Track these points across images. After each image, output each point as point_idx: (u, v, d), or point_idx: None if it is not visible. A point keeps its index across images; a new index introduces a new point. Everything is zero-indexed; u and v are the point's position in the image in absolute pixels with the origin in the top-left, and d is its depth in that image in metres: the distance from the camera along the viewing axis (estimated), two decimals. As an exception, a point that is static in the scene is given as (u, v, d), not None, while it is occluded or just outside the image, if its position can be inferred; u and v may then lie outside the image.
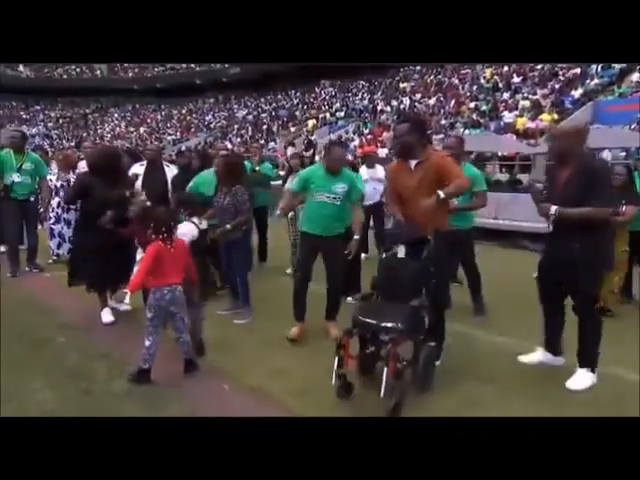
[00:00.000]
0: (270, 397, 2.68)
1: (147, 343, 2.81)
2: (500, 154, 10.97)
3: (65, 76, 37.77)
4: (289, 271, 5.67)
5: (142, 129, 30.52)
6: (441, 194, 2.84)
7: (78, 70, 38.08)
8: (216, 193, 4.00)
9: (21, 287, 4.91)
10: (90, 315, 4.04)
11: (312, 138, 19.51)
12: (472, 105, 16.43)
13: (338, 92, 26.63)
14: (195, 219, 3.34)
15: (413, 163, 2.96)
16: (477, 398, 2.69)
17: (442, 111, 17.22)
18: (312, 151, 14.94)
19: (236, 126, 26.54)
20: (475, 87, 18.36)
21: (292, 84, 28.92)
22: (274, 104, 29.02)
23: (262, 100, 30.64)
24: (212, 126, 28.10)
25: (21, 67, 38.16)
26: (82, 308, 4.27)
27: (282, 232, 6.08)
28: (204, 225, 3.40)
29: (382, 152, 14.26)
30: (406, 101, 20.20)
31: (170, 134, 26.90)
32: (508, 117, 13.22)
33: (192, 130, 28.32)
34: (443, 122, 15.75)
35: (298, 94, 29.20)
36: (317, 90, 28.49)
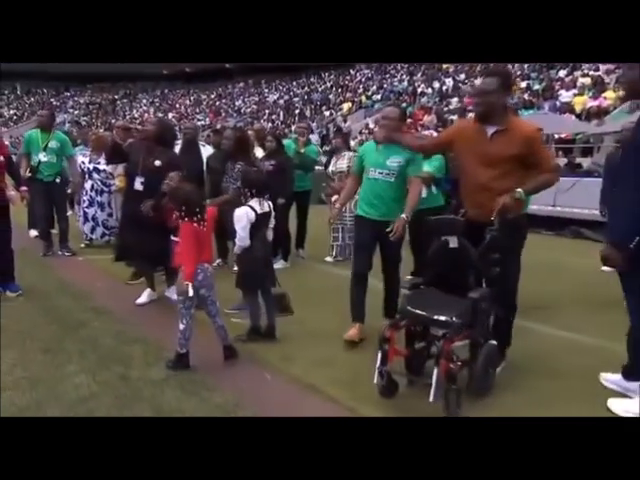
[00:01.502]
0: (314, 387, 2.59)
1: (181, 327, 2.76)
2: (557, 136, 10.43)
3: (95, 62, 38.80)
4: (329, 259, 5.66)
5: (171, 114, 31.03)
6: (520, 193, 2.51)
7: (107, 55, 39.03)
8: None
9: (54, 270, 5.01)
10: (124, 299, 4.08)
11: (345, 124, 19.27)
12: (523, 84, 15.75)
13: (375, 74, 26.18)
14: (255, 201, 3.19)
15: (490, 130, 2.58)
16: (542, 397, 2.50)
17: (490, 92, 16.58)
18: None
19: (267, 111, 26.58)
20: (527, 65, 17.56)
21: (325, 66, 28.66)
22: (306, 87, 28.88)
23: (294, 84, 30.55)
24: (242, 111, 28.26)
25: (52, 53, 39.54)
26: (116, 292, 4.32)
27: (321, 217, 6.00)
28: (265, 207, 3.22)
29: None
30: (449, 82, 19.61)
31: (199, 119, 27.24)
32: (565, 96, 12.56)
33: (222, 115, 28.57)
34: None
35: (332, 77, 28.93)
36: (352, 72, 28.13)
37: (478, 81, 18.53)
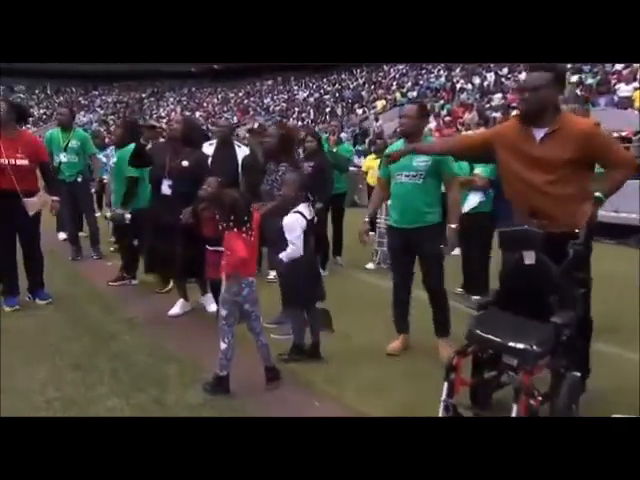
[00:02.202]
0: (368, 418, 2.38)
1: (223, 346, 2.61)
2: (616, 134, 9.90)
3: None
4: (370, 266, 5.48)
5: (198, 113, 31.43)
6: (601, 197, 2.25)
7: (135, 53, 39.99)
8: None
9: (83, 276, 4.99)
10: (156, 308, 3.99)
11: (375, 124, 18.97)
12: (574, 79, 15.11)
13: (410, 70, 25.80)
14: (304, 207, 3.02)
15: (539, 133, 2.31)
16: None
17: (536, 87, 16.02)
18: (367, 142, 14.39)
19: (296, 109, 26.57)
20: (578, 58, 16.91)
21: (357, 62, 28.45)
22: (337, 84, 28.73)
23: (324, 81, 30.45)
24: (271, 109, 28.36)
25: (81, 52, 40.81)
26: (147, 300, 4.24)
27: (357, 220, 5.81)
28: (312, 213, 3.08)
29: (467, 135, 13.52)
30: (491, 77, 19.08)
31: (227, 118, 27.47)
32: (625, 90, 11.94)
33: (250, 113, 28.73)
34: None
35: (364, 73, 28.69)
36: (385, 68, 27.81)
37: (523, 75, 18.01)
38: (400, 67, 26.72)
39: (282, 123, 5.17)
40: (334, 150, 5.32)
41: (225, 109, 31.69)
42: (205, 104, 34.73)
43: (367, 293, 4.62)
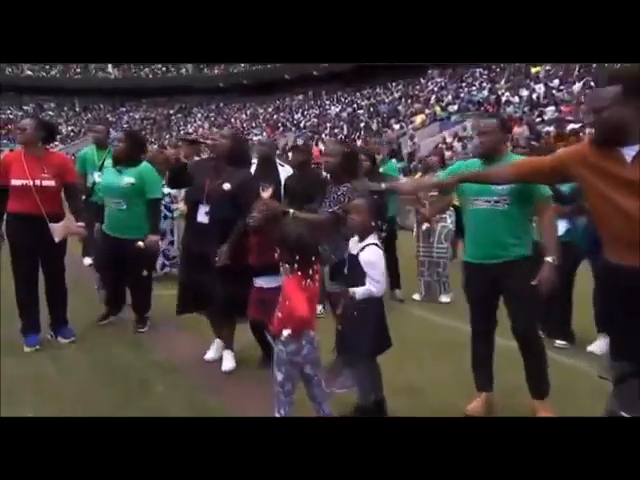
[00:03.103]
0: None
1: (279, 417, 2.24)
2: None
3: (151, 76, 41.04)
4: (417, 297, 5.19)
5: (226, 129, 31.83)
6: None
7: (164, 69, 41.16)
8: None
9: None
10: (190, 348, 3.68)
11: (410, 142, 18.62)
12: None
13: (449, 82, 25.47)
14: (375, 236, 2.64)
15: (630, 152, 1.94)
16: None
17: (593, 99, 15.39)
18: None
19: (329, 124, 26.53)
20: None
21: (393, 75, 28.38)
22: (372, 99, 28.63)
23: (357, 95, 30.44)
24: (302, 125, 28.43)
25: (110, 68, 42.30)
26: (180, 338, 3.92)
27: (405, 245, 5.44)
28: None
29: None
30: (540, 89, 18.53)
31: (256, 134, 27.65)
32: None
33: (280, 129, 28.89)
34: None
35: (400, 87, 28.52)
36: (422, 81, 27.58)
37: (577, 87, 17.43)
38: (438, 80, 26.44)
39: (344, 140, 4.82)
40: (380, 170, 4.96)
41: (254, 125, 32.01)
42: (233, 120, 35.22)
43: (426, 332, 4.21)
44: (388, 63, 24.10)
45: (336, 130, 25.06)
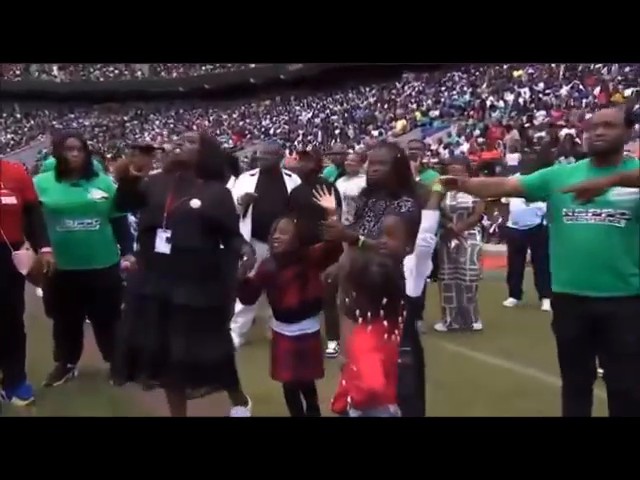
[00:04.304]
0: None
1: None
2: None
3: (102, 79, 39.79)
4: (440, 327, 4.72)
5: (193, 132, 30.94)
6: None
7: (117, 72, 40.02)
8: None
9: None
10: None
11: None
12: (628, 92, 14.67)
13: (427, 87, 25.57)
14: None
15: None
16: None
17: (584, 103, 15.56)
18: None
19: (301, 131, 26.14)
20: (628, 69, 16.53)
21: (365, 79, 28.36)
22: (345, 104, 28.47)
23: (329, 100, 30.25)
24: (271, 132, 27.93)
25: (55, 71, 40.79)
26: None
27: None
28: None
29: (512, 158, 12.86)
30: (525, 93, 18.69)
31: (222, 141, 26.98)
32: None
33: (247, 137, 28.30)
34: (588, 117, 14.08)
35: (374, 91, 28.49)
36: (398, 85, 27.63)
37: (564, 91, 17.65)
38: (415, 84, 26.55)
39: (392, 143, 4.24)
40: (417, 179, 4.35)
41: (218, 132, 31.31)
42: (195, 127, 34.36)
43: (466, 372, 3.70)
44: (359, 65, 23.96)
45: (309, 137, 24.68)
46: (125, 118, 39.55)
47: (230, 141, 26.69)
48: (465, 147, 15.81)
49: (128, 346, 2.50)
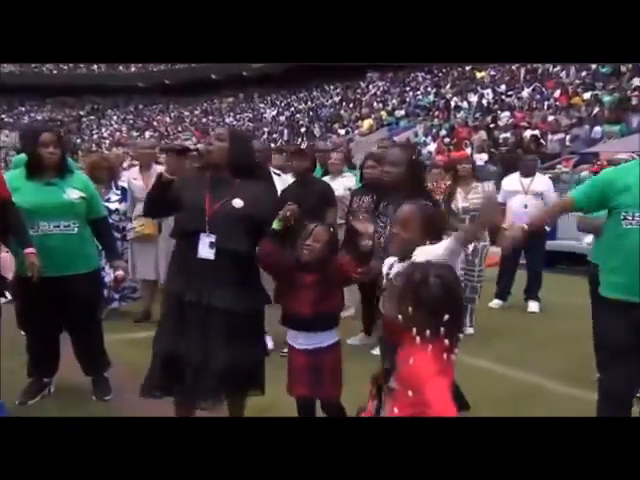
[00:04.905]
0: None
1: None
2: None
3: (56, 71, 38.17)
4: (470, 331, 4.45)
5: (148, 133, 30.10)
6: None
7: (71, 65, 38.47)
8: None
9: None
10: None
11: (351, 148, 18.42)
12: (587, 96, 15.11)
13: (391, 86, 25.74)
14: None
15: None
16: None
17: (545, 105, 15.95)
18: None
19: (266, 129, 25.83)
20: (584, 73, 17.07)
21: (329, 78, 28.32)
22: (310, 102, 28.35)
23: (294, 98, 30.06)
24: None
25: (5, 62, 38.87)
26: (148, 406, 3.02)
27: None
28: None
29: (479, 158, 13.03)
30: (488, 94, 19.03)
31: (185, 139, 26.31)
32: (659, 109, 11.84)
33: (211, 134, 27.76)
34: (551, 119, 14.45)
35: (339, 90, 28.48)
36: (363, 85, 27.71)
37: (525, 93, 18.04)
38: (380, 84, 26.68)
39: (405, 143, 4.07)
40: None
41: (180, 129, 30.60)
42: (156, 123, 33.50)
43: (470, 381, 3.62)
44: (323, 64, 23.95)
45: (275, 135, 24.43)
46: (81, 113, 38.14)
47: (193, 138, 26.05)
48: (432, 147, 15.94)
49: (167, 357, 2.37)
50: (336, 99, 27.30)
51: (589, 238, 6.98)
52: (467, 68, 22.77)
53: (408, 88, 24.25)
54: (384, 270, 2.08)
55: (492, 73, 21.18)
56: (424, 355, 1.41)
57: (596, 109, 13.59)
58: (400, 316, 1.43)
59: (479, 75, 21.41)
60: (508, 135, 14.51)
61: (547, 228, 5.35)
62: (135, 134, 31.42)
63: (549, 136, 12.70)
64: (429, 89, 22.82)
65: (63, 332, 3.34)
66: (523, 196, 4.98)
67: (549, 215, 2.73)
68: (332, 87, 29.09)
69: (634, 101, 13.21)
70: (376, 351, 3.68)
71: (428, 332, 1.39)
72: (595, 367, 2.49)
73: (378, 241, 2.39)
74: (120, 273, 3.36)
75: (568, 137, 12.29)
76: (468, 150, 14.78)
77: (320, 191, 3.90)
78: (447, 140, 16.29)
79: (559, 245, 7.20)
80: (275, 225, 2.24)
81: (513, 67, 20.63)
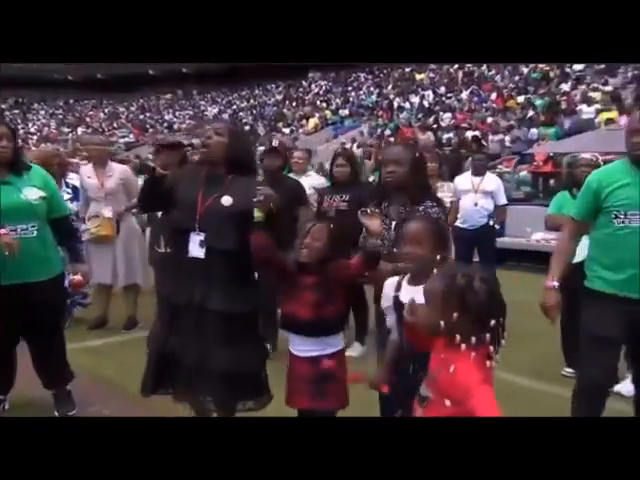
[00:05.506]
0: None
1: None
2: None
3: (-25, 62, 35.56)
4: None
5: (80, 129, 28.65)
6: None
7: (-7, 55, 36.01)
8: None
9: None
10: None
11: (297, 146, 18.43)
12: (521, 99, 15.87)
13: (334, 86, 25.92)
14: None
15: None
16: None
17: (484, 108, 16.59)
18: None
19: (208, 126, 25.26)
20: (517, 77, 17.91)
21: (270, 76, 28.14)
22: (252, 100, 28.02)
23: (235, 96, 29.62)
24: (175, 127, 26.68)
25: None
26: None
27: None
28: None
29: (425, 157, 13.31)
30: (429, 95, 19.58)
31: (122, 136, 25.25)
32: (587, 112, 12.57)
33: (150, 131, 26.77)
34: (490, 120, 15.05)
35: (280, 89, 28.36)
36: (305, 84, 27.74)
37: (465, 95, 18.69)
38: (322, 83, 26.80)
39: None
40: (371, 179, 4.22)
41: (115, 125, 29.35)
42: (88, 119, 31.93)
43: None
44: (263, 63, 23.75)
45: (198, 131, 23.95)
46: (3, 106, 35.71)
47: (131, 135, 25.09)
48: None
49: (161, 358, 2.33)
50: (279, 97, 27.16)
51: (538, 235, 7.39)
52: (407, 70, 23.35)
53: (350, 88, 24.52)
54: (389, 293, 1.94)
55: (431, 75, 21.82)
56: (467, 363, 1.35)
57: (530, 112, 14.29)
58: (443, 323, 1.36)
59: (419, 77, 22.00)
60: (451, 135, 14.97)
61: (496, 226, 5.50)
62: (66, 130, 29.85)
63: (490, 137, 13.20)
64: (372, 89, 23.18)
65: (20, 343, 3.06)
66: (473, 194, 5.09)
67: (567, 252, 2.48)
68: (274, 86, 28.93)
69: (563, 105, 14.03)
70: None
71: (474, 339, 1.34)
72: (559, 362, 2.55)
73: (381, 245, 2.31)
74: (77, 278, 3.10)
75: (508, 138, 12.82)
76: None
77: (291, 189, 3.80)
78: (392, 140, 16.59)
79: (508, 242, 7.45)
80: (256, 214, 2.12)
81: (451, 69, 21.36)
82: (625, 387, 3.05)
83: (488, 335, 1.35)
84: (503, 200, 5.28)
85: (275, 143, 4.00)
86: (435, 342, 1.46)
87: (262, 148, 8.82)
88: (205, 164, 2.40)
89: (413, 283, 1.85)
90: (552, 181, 10.02)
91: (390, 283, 1.96)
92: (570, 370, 3.45)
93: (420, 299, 1.47)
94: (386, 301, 1.95)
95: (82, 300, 4.70)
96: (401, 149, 2.37)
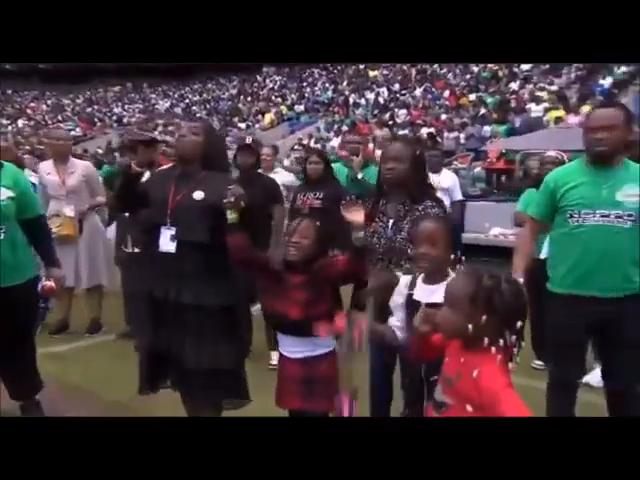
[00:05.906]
0: None
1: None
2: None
3: None
4: None
5: (21, 122, 27.15)
6: None
7: None
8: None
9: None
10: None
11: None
12: (472, 97, 16.28)
13: (288, 81, 25.76)
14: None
15: None
16: None
17: (437, 105, 16.92)
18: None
19: (160, 121, 24.51)
20: (468, 76, 18.36)
21: (223, 70, 27.70)
22: (205, 94, 27.45)
23: (187, 89, 28.93)
24: (125, 120, 25.76)
25: None
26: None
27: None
28: None
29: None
30: (383, 92, 19.78)
31: (68, 129, 24.11)
32: (536, 110, 13.04)
33: (98, 125, 25.73)
34: (444, 117, 15.37)
35: (235, 83, 27.93)
36: (259, 78, 27.43)
37: (418, 92, 18.99)
38: (276, 78, 26.58)
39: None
40: (360, 177, 3.76)
41: (60, 118, 28.00)
42: (30, 111, 30.32)
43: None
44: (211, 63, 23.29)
45: (171, 128, 23.28)
46: None
47: (78, 129, 24.01)
48: (335, 142, 16.18)
49: (151, 354, 2.34)
50: (233, 92, 26.72)
51: (496, 230, 7.62)
52: (361, 66, 23.48)
53: (305, 84, 24.43)
54: (403, 290, 1.91)
55: (385, 72, 22.04)
56: (492, 366, 1.32)
57: (482, 110, 14.69)
58: (470, 326, 1.33)
59: (372, 74, 22.16)
60: (406, 132, 15.18)
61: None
62: (5, 122, 28.24)
63: (445, 134, 13.47)
64: (327, 85, 23.18)
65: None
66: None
67: (528, 250, 2.51)
68: (228, 80, 28.46)
69: (513, 103, 14.50)
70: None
71: (502, 341, 1.32)
72: (530, 355, 2.60)
73: (378, 243, 2.28)
74: (48, 284, 2.92)
75: (463, 135, 13.12)
76: (371, 146, 15.25)
77: (265, 187, 3.73)
78: (351, 138, 16.63)
79: (466, 237, 7.66)
80: (230, 216, 2.09)
81: (404, 67, 21.65)
82: (594, 378, 3.11)
83: (514, 337, 1.34)
84: (459, 196, 5.35)
85: (249, 140, 3.87)
86: (450, 347, 1.45)
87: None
88: (178, 162, 2.43)
89: (428, 282, 1.85)
90: (503, 177, 10.36)
91: (404, 281, 1.94)
92: (540, 362, 3.52)
93: (435, 298, 1.47)
94: (398, 298, 1.93)
95: (43, 304, 4.47)
96: (401, 146, 2.32)
